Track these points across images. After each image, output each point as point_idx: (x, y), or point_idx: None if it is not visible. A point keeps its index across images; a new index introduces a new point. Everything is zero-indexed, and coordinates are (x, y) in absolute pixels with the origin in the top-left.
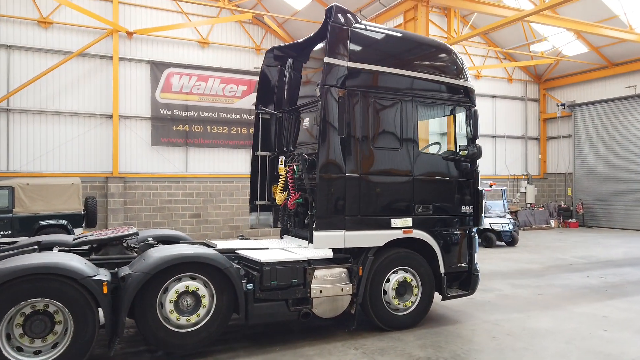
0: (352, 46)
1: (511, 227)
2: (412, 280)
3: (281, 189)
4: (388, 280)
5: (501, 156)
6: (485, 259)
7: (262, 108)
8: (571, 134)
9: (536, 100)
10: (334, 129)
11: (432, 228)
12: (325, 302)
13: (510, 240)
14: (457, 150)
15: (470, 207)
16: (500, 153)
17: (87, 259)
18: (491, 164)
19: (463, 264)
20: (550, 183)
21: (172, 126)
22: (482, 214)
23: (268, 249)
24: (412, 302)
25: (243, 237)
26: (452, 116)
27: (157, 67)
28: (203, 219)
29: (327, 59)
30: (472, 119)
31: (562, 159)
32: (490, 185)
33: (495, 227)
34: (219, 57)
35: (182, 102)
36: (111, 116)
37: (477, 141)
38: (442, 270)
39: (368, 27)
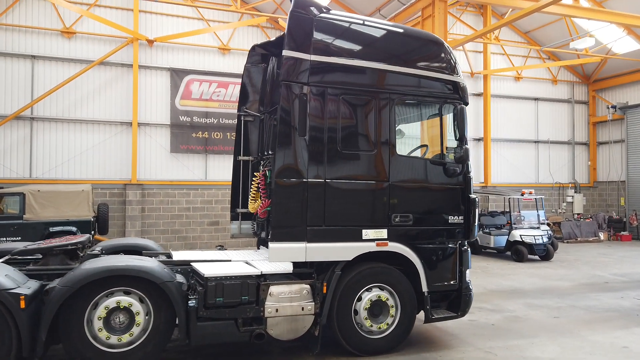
0: (317, 37)
1: (545, 239)
2: (388, 299)
3: (253, 196)
4: (360, 299)
5: (544, 163)
6: (509, 274)
7: (246, 110)
8: (624, 138)
9: (585, 103)
10: (293, 130)
11: (412, 241)
12: (282, 322)
13: (544, 253)
14: (445, 153)
15: (460, 217)
16: (543, 160)
17: (20, 269)
18: (533, 172)
19: (451, 282)
20: (600, 192)
21: (191, 133)
22: (475, 225)
23: (230, 261)
24: (388, 324)
25: (222, 248)
26: (439, 116)
27: (177, 74)
28: (222, 226)
29: (285, 52)
30: (458, 117)
31: (614, 165)
32: (522, 194)
33: (527, 240)
34: (239, 63)
35: (201, 109)
36: (131, 124)
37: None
38: (424, 288)
39: (337, 17)
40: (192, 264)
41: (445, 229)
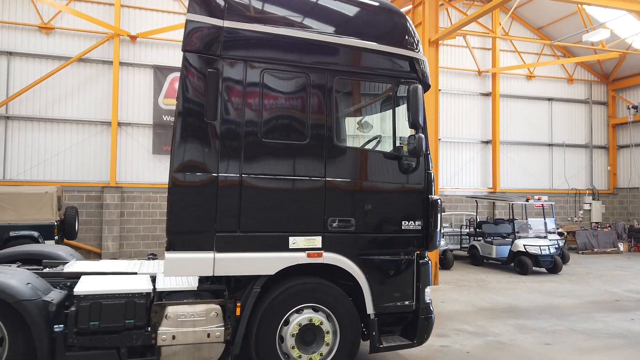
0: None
1: (553, 250)
2: (322, 322)
3: None
4: (287, 323)
5: (559, 167)
6: (507, 289)
7: None
8: None
9: (603, 103)
10: (200, 113)
11: (355, 251)
12: (182, 352)
13: (550, 266)
14: (401, 145)
15: (418, 223)
16: (558, 164)
17: None
18: (547, 177)
19: (405, 302)
20: (621, 199)
21: None
22: (438, 233)
23: (135, 274)
24: (322, 354)
25: (154, 257)
26: (393, 99)
27: (161, 72)
28: None
29: (189, 16)
30: (412, 98)
31: (635, 170)
32: (527, 200)
33: (531, 250)
34: None
35: None
36: (111, 123)
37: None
38: (370, 309)
39: None
40: (83, 277)
41: (399, 237)
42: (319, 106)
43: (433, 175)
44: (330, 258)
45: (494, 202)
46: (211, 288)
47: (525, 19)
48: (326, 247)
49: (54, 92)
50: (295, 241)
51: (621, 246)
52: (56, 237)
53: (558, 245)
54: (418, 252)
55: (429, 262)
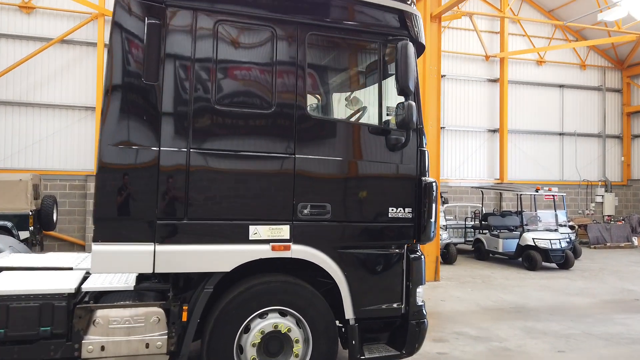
0: None
1: (564, 244)
2: (291, 329)
3: None
4: (247, 330)
5: (570, 158)
6: (514, 286)
7: None
8: None
9: (617, 91)
10: (134, 74)
11: (331, 243)
12: None
13: (561, 261)
14: (389, 115)
15: (409, 210)
16: (569, 154)
17: None
18: (557, 168)
19: (394, 305)
20: (635, 191)
21: None
22: (432, 222)
23: (71, 269)
24: None
25: None
26: (379, 59)
27: None
28: None
29: None
30: (401, 57)
31: None
32: (537, 190)
33: (541, 245)
34: None
35: None
36: (95, 109)
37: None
38: (349, 314)
39: None
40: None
41: (385, 226)
42: (287, 68)
43: (427, 154)
44: (301, 251)
45: (500, 193)
46: (152, 288)
47: (536, 1)
48: (296, 238)
49: (35, 76)
50: (257, 231)
51: (635, 240)
52: (31, 228)
53: (570, 239)
54: (408, 245)
55: (422, 257)
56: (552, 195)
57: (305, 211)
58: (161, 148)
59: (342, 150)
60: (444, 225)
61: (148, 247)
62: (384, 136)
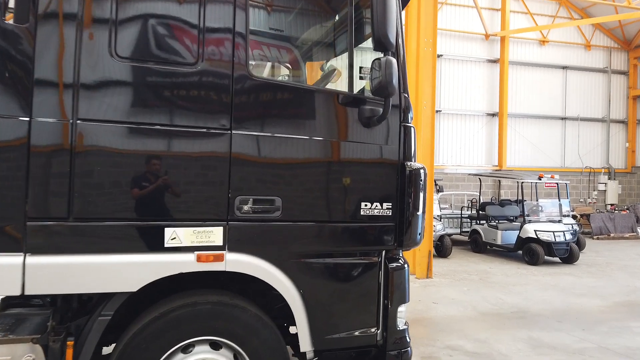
0: None
1: (569, 236)
2: None
3: None
4: None
5: (573, 143)
6: (515, 284)
7: None
8: None
9: (624, 73)
10: None
11: (281, 250)
12: None
13: (566, 255)
14: (360, 78)
15: (388, 205)
16: (571, 139)
17: None
18: (559, 154)
19: (367, 331)
20: None
21: None
22: (420, 220)
23: None
24: None
25: None
26: (350, 7)
27: None
28: None
29: None
30: (375, 4)
31: None
32: (540, 177)
33: (544, 237)
34: None
35: None
36: None
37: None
38: (306, 346)
39: None
40: None
41: (355, 227)
42: (220, 8)
43: (414, 132)
44: (238, 262)
45: (499, 181)
46: (23, 314)
47: None
48: (232, 244)
49: None
50: (175, 235)
51: None
52: None
53: (574, 230)
54: (389, 251)
55: (405, 266)
56: (556, 183)
57: (246, 208)
58: (33, 118)
59: (297, 125)
60: (438, 215)
61: (14, 259)
62: (356, 107)
